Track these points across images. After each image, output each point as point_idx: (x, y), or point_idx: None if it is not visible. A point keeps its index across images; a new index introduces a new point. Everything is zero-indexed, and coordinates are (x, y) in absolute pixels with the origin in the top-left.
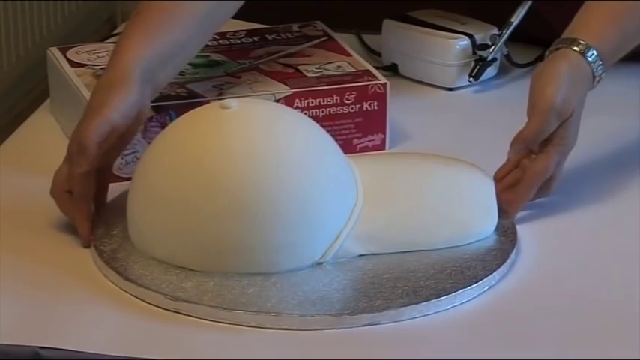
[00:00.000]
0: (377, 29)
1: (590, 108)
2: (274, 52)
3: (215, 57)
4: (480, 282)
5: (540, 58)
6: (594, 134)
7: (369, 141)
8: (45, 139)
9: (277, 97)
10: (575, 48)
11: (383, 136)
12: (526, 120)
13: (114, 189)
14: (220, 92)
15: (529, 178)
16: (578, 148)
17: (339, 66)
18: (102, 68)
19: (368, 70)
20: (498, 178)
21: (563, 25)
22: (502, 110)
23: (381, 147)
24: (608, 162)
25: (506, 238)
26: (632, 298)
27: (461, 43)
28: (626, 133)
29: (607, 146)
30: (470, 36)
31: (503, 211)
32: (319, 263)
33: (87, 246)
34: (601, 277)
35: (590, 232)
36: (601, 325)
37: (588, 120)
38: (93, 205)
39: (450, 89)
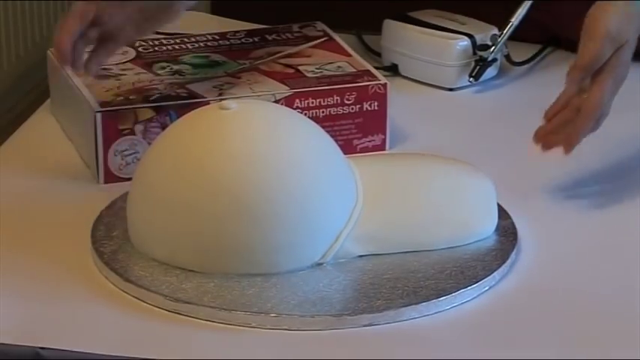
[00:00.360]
0: (377, 29)
1: None
2: (274, 52)
3: (215, 57)
4: (480, 282)
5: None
6: (597, 134)
7: (369, 141)
8: (45, 139)
9: (277, 98)
10: None
11: (383, 137)
12: (527, 119)
13: (114, 190)
14: (220, 92)
15: (586, 110)
16: (579, 148)
17: (339, 66)
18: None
19: (368, 71)
20: (549, 117)
21: (562, 24)
22: (502, 110)
23: (381, 147)
24: (610, 162)
25: (507, 238)
26: (632, 298)
27: (461, 43)
28: (630, 133)
29: (608, 146)
30: (470, 36)
31: (566, 142)
32: (319, 264)
33: (62, 63)
34: (602, 277)
35: (590, 233)
36: (601, 325)
37: None
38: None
39: (450, 89)
